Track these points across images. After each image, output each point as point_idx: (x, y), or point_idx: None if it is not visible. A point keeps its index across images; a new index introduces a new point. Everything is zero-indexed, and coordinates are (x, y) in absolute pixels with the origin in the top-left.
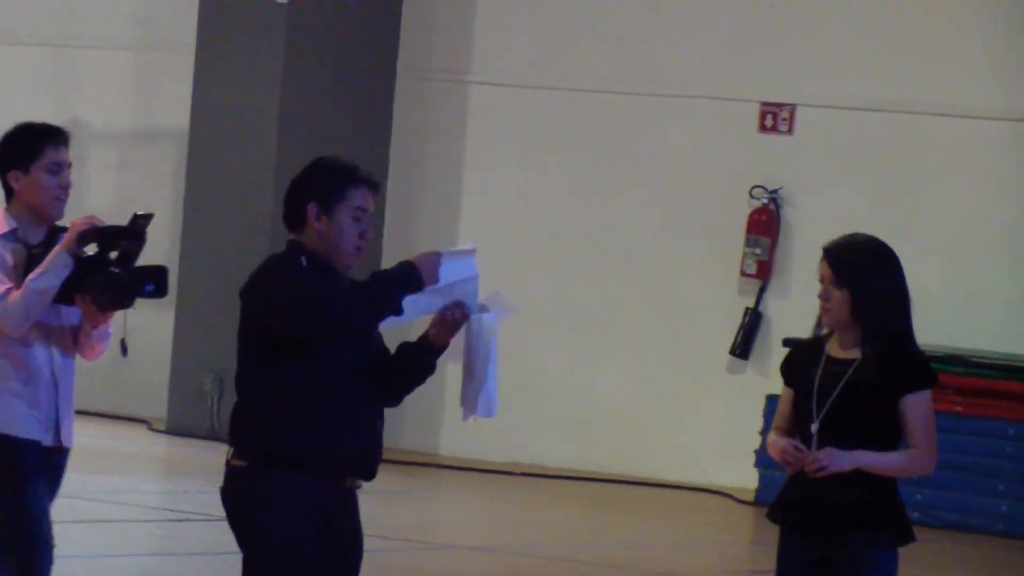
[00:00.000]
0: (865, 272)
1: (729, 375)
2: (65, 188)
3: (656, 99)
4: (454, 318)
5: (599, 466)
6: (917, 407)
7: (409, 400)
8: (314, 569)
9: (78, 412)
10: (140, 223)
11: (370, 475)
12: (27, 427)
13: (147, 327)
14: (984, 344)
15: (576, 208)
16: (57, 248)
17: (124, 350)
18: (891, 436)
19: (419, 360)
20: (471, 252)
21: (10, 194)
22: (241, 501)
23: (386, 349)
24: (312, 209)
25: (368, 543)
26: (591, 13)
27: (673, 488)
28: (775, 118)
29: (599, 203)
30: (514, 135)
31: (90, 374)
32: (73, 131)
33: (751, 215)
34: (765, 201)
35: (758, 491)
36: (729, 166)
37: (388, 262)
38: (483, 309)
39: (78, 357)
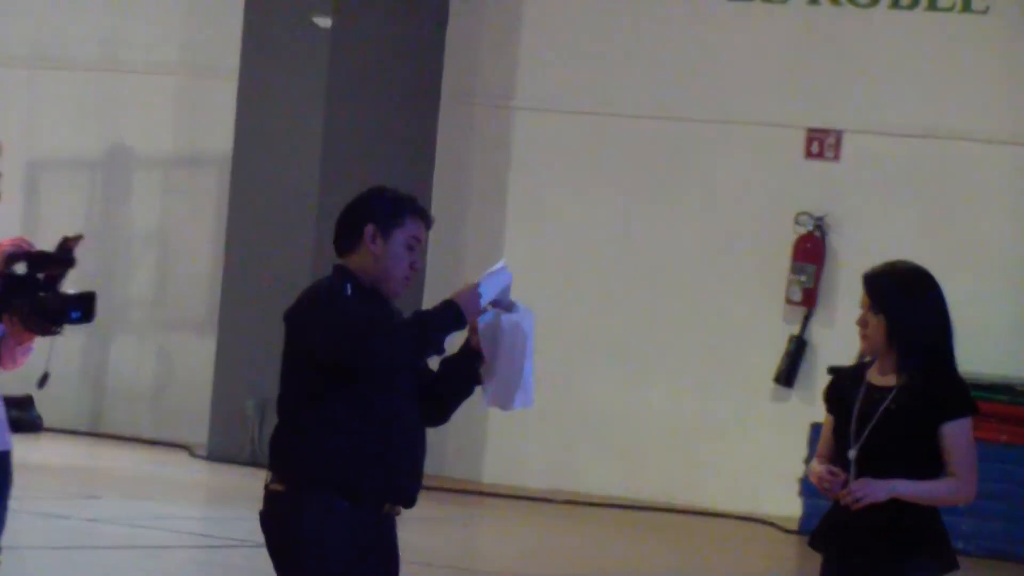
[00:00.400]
0: (901, 299)
1: (773, 403)
2: None
3: (701, 125)
4: (472, 298)
5: (642, 494)
6: (956, 435)
7: (452, 426)
8: None
9: (119, 438)
10: (68, 246)
11: (410, 502)
12: None
13: (189, 353)
14: None
15: (621, 234)
16: None
17: (42, 383)
18: (931, 464)
19: (464, 369)
20: (502, 267)
21: None
22: (279, 525)
23: (430, 371)
24: (369, 231)
25: (409, 569)
26: (635, 39)
27: (718, 517)
28: (821, 144)
29: (644, 228)
30: (558, 161)
31: (132, 400)
32: (117, 155)
33: (796, 242)
34: (811, 228)
35: (802, 520)
36: (775, 192)
37: (431, 286)
38: (514, 306)
39: None
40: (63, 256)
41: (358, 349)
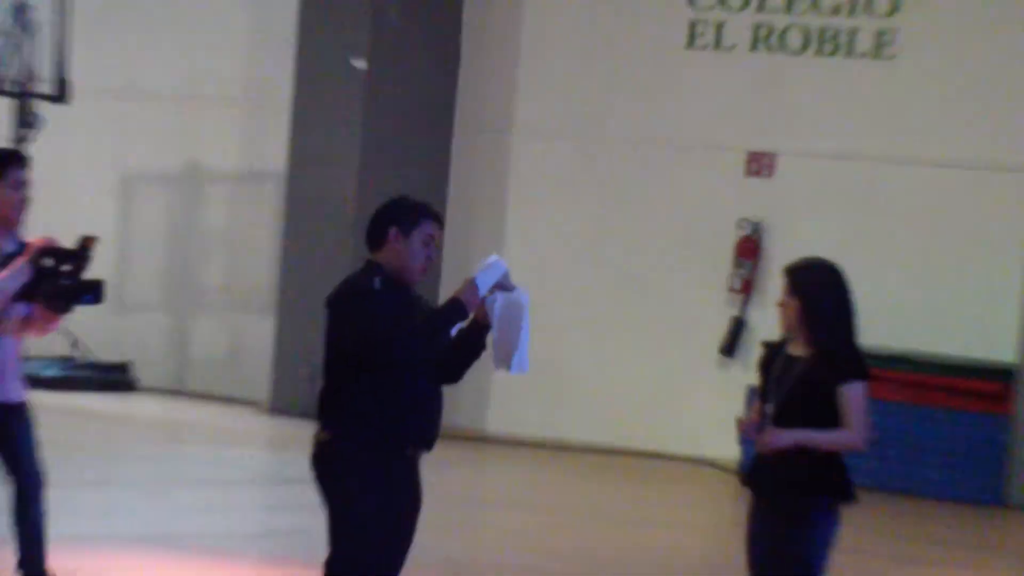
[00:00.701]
0: (812, 287)
1: (718, 370)
2: (24, 201)
3: (664, 147)
4: (472, 291)
5: (615, 441)
6: (851, 395)
7: (462, 387)
8: (382, 521)
9: (200, 396)
10: (86, 245)
11: (429, 446)
12: None
13: (254, 328)
14: (926, 348)
15: (599, 234)
16: (18, 260)
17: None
18: (831, 418)
19: (474, 340)
20: (495, 259)
21: None
22: (325, 466)
23: (451, 340)
24: (393, 231)
25: (428, 501)
26: (612, 79)
27: (672, 459)
28: (759, 164)
29: (618, 230)
30: (547, 175)
31: (210, 366)
32: (193, 171)
33: (738, 243)
34: (749, 232)
35: (740, 462)
36: (721, 203)
37: (447, 274)
38: (511, 287)
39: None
40: (82, 252)
41: (381, 352)
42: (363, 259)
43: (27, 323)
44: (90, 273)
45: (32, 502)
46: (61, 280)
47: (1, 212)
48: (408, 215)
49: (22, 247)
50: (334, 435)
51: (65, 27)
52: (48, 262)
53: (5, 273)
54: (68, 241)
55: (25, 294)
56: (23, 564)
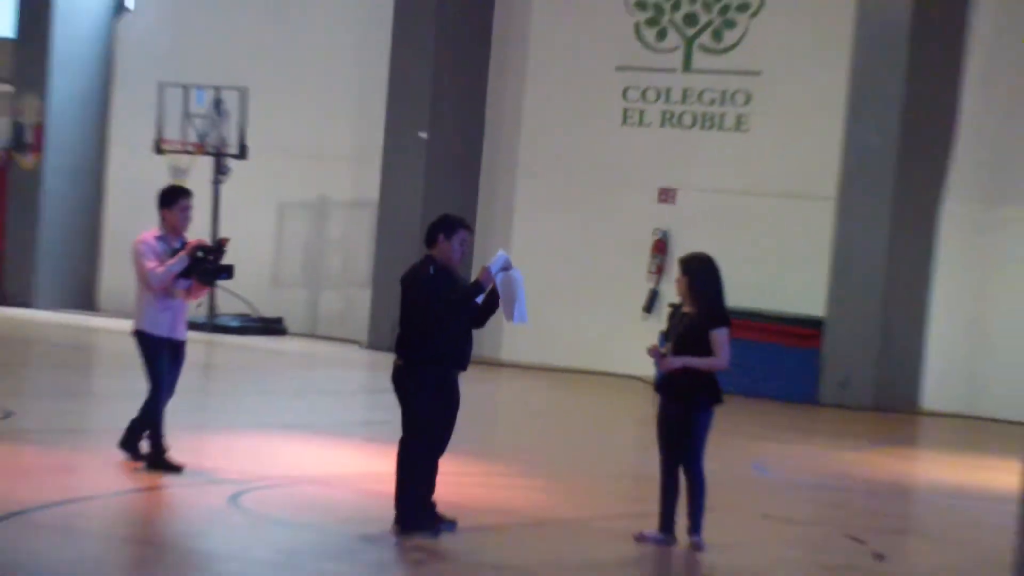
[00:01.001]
0: (695, 269)
1: (642, 322)
2: (187, 219)
3: (610, 185)
4: (488, 276)
5: (579, 364)
6: (718, 336)
7: (484, 331)
8: (435, 414)
9: (326, 338)
10: (222, 243)
11: (464, 368)
12: (159, 329)
13: (360, 296)
14: (768, 307)
15: (567, 238)
16: (182, 252)
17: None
18: (707, 350)
19: (490, 303)
20: (501, 253)
21: (162, 220)
22: (400, 380)
23: (476, 304)
24: (441, 236)
25: (463, 402)
26: (577, 143)
27: (613, 376)
28: (667, 195)
29: (581, 233)
30: (536, 202)
31: (330, 318)
32: (323, 200)
33: (654, 243)
34: (661, 236)
35: (654, 378)
36: (645, 218)
37: (475, 263)
38: (511, 268)
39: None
40: (219, 247)
41: (441, 312)
42: (423, 253)
43: (188, 292)
44: (229, 260)
45: (162, 406)
46: (207, 265)
47: (172, 224)
48: (451, 226)
49: (183, 244)
50: (406, 361)
51: (243, 112)
52: (199, 253)
53: (174, 260)
54: (224, 242)
55: (185, 273)
56: (154, 448)
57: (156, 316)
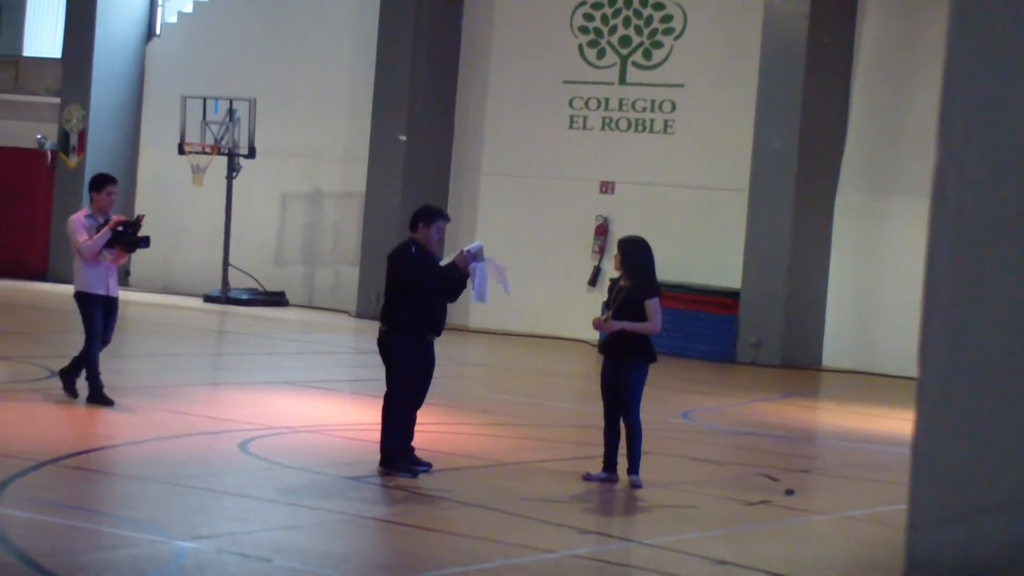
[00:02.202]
0: (631, 249)
1: (587, 293)
2: (111, 202)
3: (558, 179)
4: (463, 260)
5: (533, 330)
6: (651, 304)
7: (456, 305)
8: (414, 373)
9: (320, 308)
10: (139, 218)
11: (438, 334)
12: (94, 288)
13: (350, 272)
14: (692, 280)
15: (526, 226)
16: (105, 227)
17: (257, 283)
18: (641, 316)
19: (461, 282)
20: (478, 243)
21: (91, 202)
22: (384, 345)
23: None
24: (421, 223)
25: (438, 362)
26: (531, 145)
27: (562, 340)
28: (607, 187)
29: (536, 223)
30: (497, 195)
31: (324, 290)
32: (316, 194)
33: (596, 227)
34: (602, 221)
35: (598, 341)
36: (588, 208)
37: (448, 248)
38: (481, 259)
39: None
40: (137, 223)
41: (416, 286)
42: (406, 236)
43: (113, 258)
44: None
45: (97, 352)
46: (127, 236)
47: (99, 205)
48: (430, 216)
49: (107, 220)
50: (389, 328)
51: (252, 119)
52: (120, 228)
53: (100, 234)
54: (140, 218)
55: (109, 243)
56: (92, 386)
57: (90, 279)
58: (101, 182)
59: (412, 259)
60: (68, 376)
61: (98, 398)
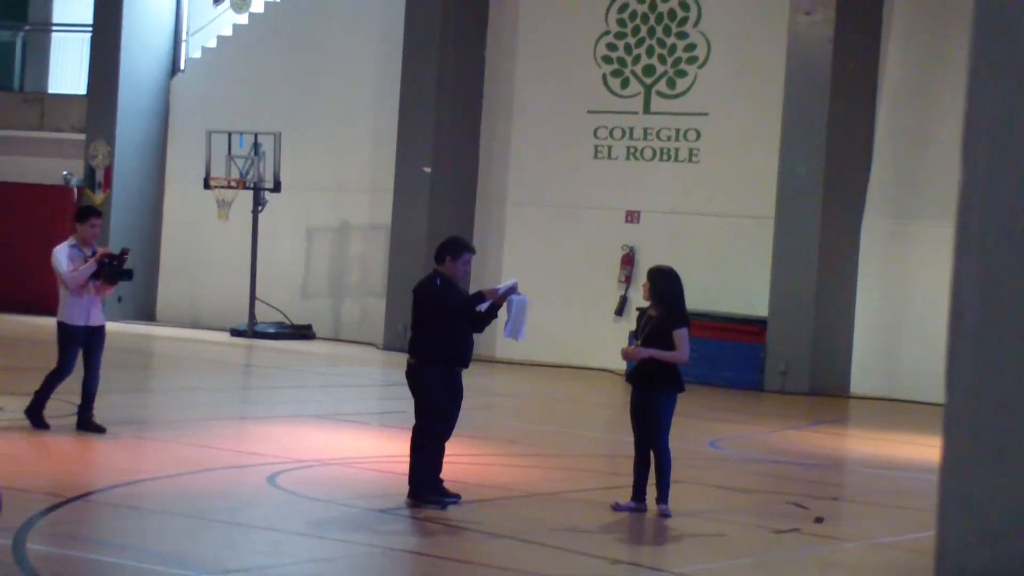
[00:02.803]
0: (659, 278)
1: (615, 323)
2: (96, 233)
3: (585, 209)
4: (494, 292)
5: (561, 361)
6: (679, 334)
7: (484, 335)
8: (443, 403)
9: (347, 340)
10: (124, 252)
11: (466, 366)
12: (75, 320)
13: (376, 304)
14: (720, 309)
15: (552, 255)
16: (91, 259)
17: (284, 316)
18: (671, 346)
19: (490, 313)
20: (513, 281)
21: (75, 232)
22: (412, 376)
23: (478, 312)
24: (448, 257)
25: (466, 395)
26: (556, 175)
27: (591, 370)
28: (633, 216)
29: (562, 252)
30: (523, 225)
31: (351, 323)
32: (343, 227)
33: (622, 256)
34: (628, 251)
35: (625, 371)
36: (615, 237)
37: (476, 280)
38: (518, 293)
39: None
40: (122, 255)
41: (443, 317)
42: (431, 269)
43: (97, 289)
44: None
45: (60, 383)
46: (111, 269)
47: (83, 236)
48: (456, 248)
49: (94, 252)
50: (418, 360)
51: (277, 153)
52: (105, 260)
53: (86, 266)
54: (125, 251)
55: (95, 275)
56: (81, 418)
57: (73, 309)
58: (85, 214)
59: (438, 291)
60: (33, 412)
61: (34, 419)
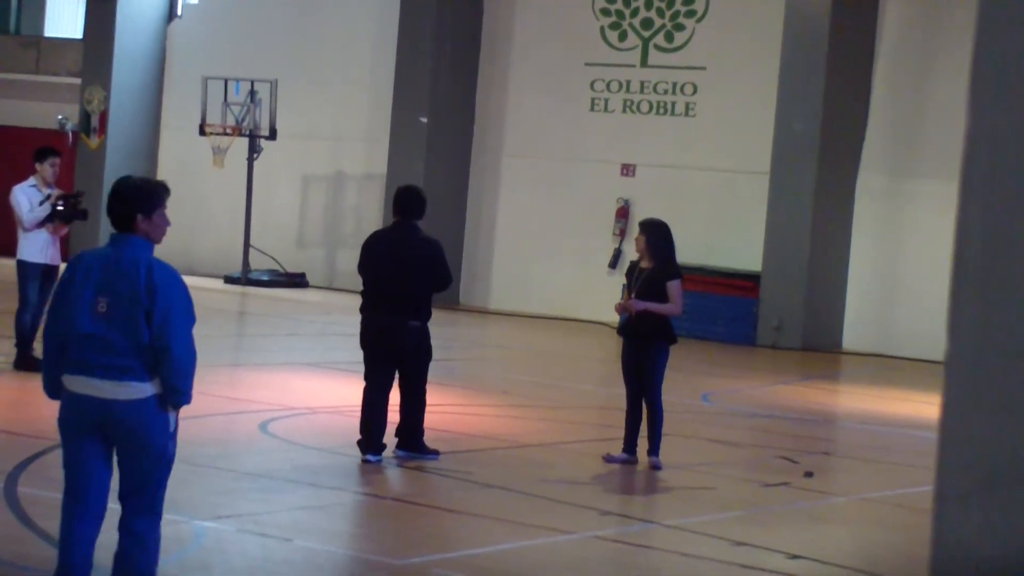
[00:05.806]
0: (652, 231)
1: (608, 276)
2: (56, 173)
3: (581, 161)
4: None
5: (554, 313)
6: (672, 286)
7: (475, 284)
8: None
9: (339, 290)
10: (79, 194)
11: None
12: (34, 258)
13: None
14: (713, 263)
15: (548, 208)
16: (47, 201)
17: (278, 264)
18: (663, 298)
19: None
20: None
21: (36, 172)
22: (417, 338)
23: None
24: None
25: (458, 344)
26: (553, 126)
27: (584, 322)
28: (628, 170)
29: (557, 205)
30: (518, 176)
31: (343, 272)
32: (338, 175)
33: (617, 210)
34: (623, 204)
35: (618, 323)
36: (610, 190)
37: (469, 230)
38: None
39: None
40: (76, 197)
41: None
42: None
43: (54, 228)
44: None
45: (36, 320)
46: (66, 210)
47: (43, 175)
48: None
49: (51, 191)
50: (422, 322)
51: (274, 100)
52: (59, 202)
53: (42, 207)
54: (80, 194)
55: (50, 216)
56: (20, 356)
57: (30, 248)
58: (44, 153)
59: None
60: (22, 359)
61: (25, 363)
